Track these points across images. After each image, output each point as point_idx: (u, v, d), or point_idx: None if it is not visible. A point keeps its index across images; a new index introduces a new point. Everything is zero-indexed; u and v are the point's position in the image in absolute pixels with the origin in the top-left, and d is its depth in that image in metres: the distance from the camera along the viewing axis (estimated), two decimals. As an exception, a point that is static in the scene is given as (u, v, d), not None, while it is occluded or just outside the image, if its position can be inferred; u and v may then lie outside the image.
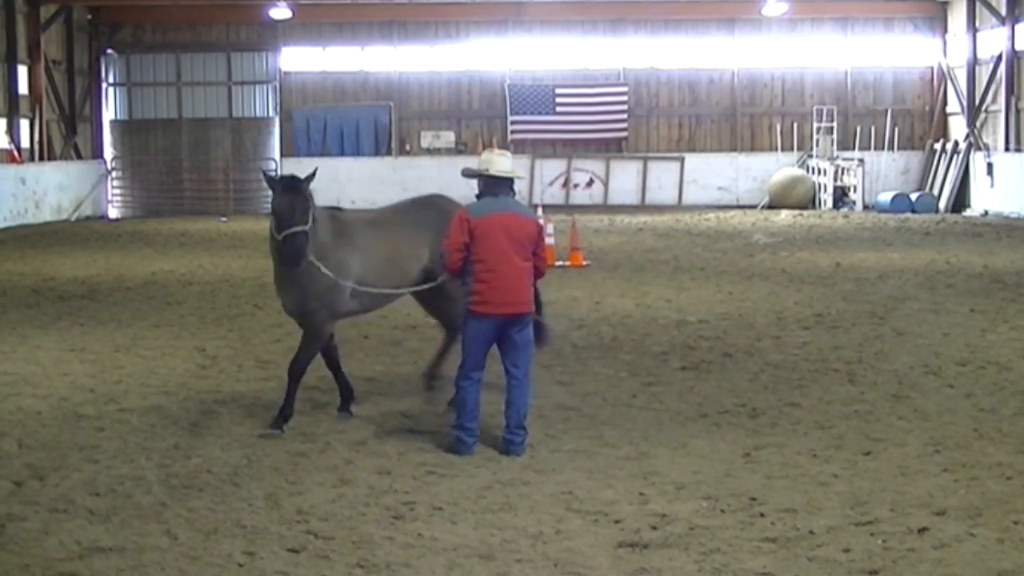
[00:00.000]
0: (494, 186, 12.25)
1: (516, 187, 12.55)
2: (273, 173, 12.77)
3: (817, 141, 49.68)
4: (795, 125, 50.86)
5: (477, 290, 11.94)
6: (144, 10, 50.08)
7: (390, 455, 11.80)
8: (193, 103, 51.28)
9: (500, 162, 12.28)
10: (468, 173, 12.51)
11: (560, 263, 27.98)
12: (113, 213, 49.29)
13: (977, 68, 47.87)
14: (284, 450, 11.99)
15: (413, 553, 9.04)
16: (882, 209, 45.50)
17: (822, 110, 50.07)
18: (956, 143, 47.91)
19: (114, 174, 50.62)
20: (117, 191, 50.37)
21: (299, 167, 46.84)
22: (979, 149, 46.39)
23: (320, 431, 12.75)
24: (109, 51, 50.92)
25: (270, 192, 12.60)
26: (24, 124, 44.48)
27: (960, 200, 46.43)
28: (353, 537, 9.38)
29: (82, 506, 10.16)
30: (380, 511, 10.03)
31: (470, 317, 12.00)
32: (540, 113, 50.37)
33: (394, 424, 13.09)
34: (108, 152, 50.94)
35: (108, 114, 51.19)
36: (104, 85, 51.03)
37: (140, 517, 9.89)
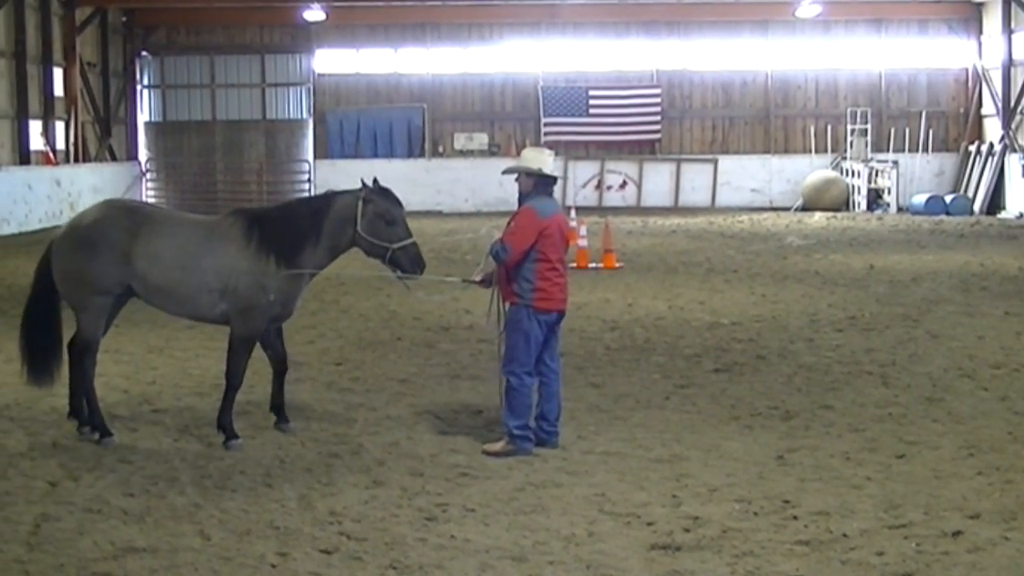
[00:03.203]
0: (546, 185, 12.31)
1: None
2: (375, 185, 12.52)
3: (851, 143, 49.55)
4: (829, 127, 50.76)
5: (541, 287, 12.02)
6: (178, 12, 50.31)
7: (423, 457, 11.81)
8: (227, 105, 51.51)
9: (550, 161, 12.38)
10: (514, 171, 12.45)
11: (593, 265, 28.00)
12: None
13: (1012, 70, 47.65)
14: (317, 451, 12.01)
15: (446, 555, 9.04)
16: (916, 211, 45.36)
17: (856, 112, 49.94)
18: (991, 145, 47.70)
19: (148, 176, 50.90)
20: (151, 193, 50.58)
21: (332, 169, 47.37)
22: (1014, 151, 46.14)
23: (353, 432, 12.77)
24: (143, 53, 51.19)
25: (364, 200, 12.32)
26: (59, 126, 44.73)
27: (995, 202, 46.18)
28: (386, 538, 9.39)
29: (116, 506, 10.20)
30: (413, 512, 10.04)
31: (532, 315, 12.02)
32: (573, 115, 50.39)
33: (427, 426, 13.09)
34: (142, 154, 51.23)
35: (142, 116, 51.51)
36: (138, 87, 51.36)
37: (174, 518, 9.93)
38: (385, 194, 12.43)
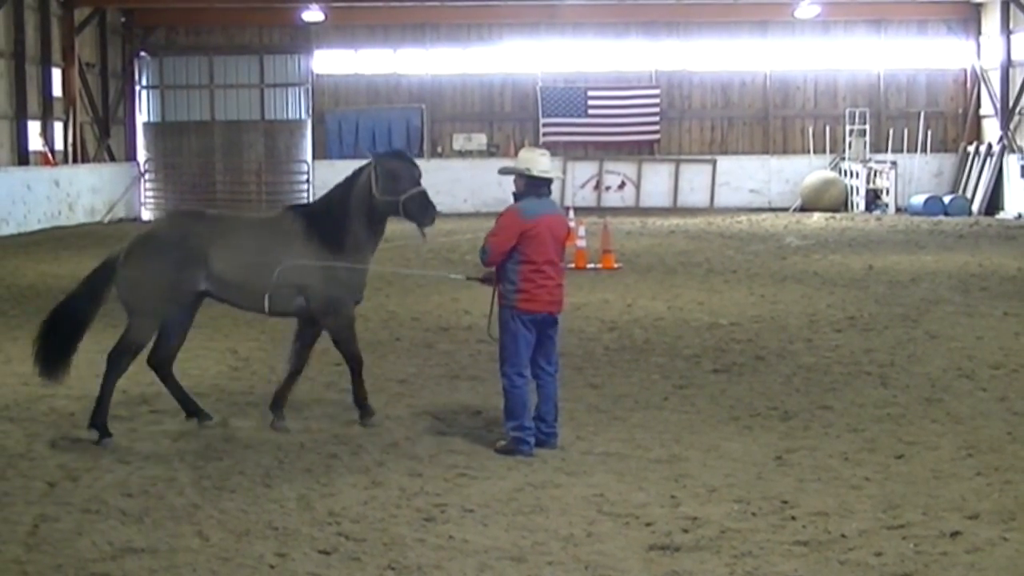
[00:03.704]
0: (537, 186, 12.26)
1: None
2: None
3: (850, 143, 49.56)
4: (827, 127, 50.78)
5: (524, 288, 11.99)
6: (177, 13, 50.29)
7: (421, 457, 11.81)
8: (226, 105, 51.49)
9: (542, 162, 12.29)
10: (507, 171, 12.48)
11: (592, 265, 27.99)
12: (146, 215, 49.43)
13: (1011, 70, 47.65)
14: (316, 452, 12.02)
15: (444, 555, 9.04)
16: (915, 212, 45.39)
17: (855, 112, 49.95)
18: (990, 145, 47.71)
19: (147, 176, 50.85)
20: (150, 193, 50.58)
21: (331, 170, 47.27)
22: (1013, 151, 46.16)
23: (352, 433, 12.77)
24: (142, 53, 51.18)
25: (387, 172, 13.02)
26: (58, 126, 44.75)
27: (993, 203, 46.20)
28: (384, 539, 9.39)
29: (115, 507, 10.20)
30: (411, 513, 10.04)
31: (516, 316, 12.01)
32: (572, 115, 50.40)
33: (425, 426, 13.10)
34: (141, 154, 51.21)
35: (141, 116, 51.50)
36: (137, 87, 51.36)
37: (172, 518, 9.93)
38: (391, 154, 13.45)
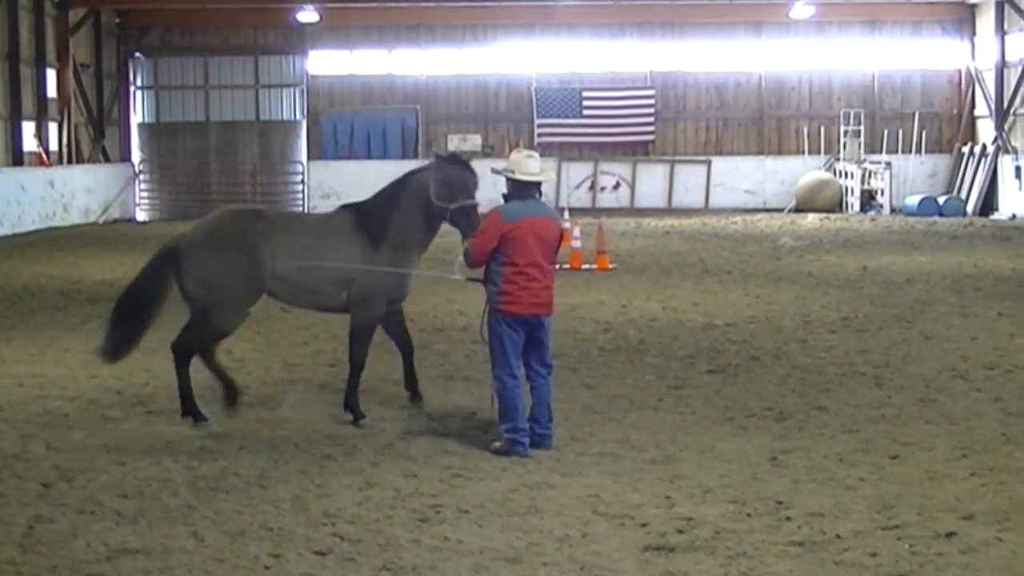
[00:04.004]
0: (523, 189, 12.29)
1: (543, 189, 12.56)
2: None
3: (844, 144, 49.55)
4: (822, 128, 50.76)
5: (507, 291, 12.01)
6: (172, 13, 50.23)
7: (416, 458, 11.81)
8: (220, 106, 51.41)
9: (528, 165, 12.30)
10: (497, 172, 12.58)
11: (587, 266, 27.98)
12: (141, 216, 49.47)
13: (1005, 71, 47.70)
14: (311, 453, 12.01)
15: (439, 556, 9.04)
16: (909, 212, 45.41)
17: (849, 113, 49.97)
18: (984, 146, 47.74)
19: (142, 177, 50.81)
20: (145, 194, 50.55)
21: (326, 171, 47.43)
22: (1007, 152, 46.22)
23: (347, 434, 12.76)
24: (137, 54, 51.13)
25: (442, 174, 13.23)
26: (53, 127, 44.67)
27: (988, 203, 46.26)
28: (379, 540, 9.38)
29: (109, 508, 10.19)
30: (406, 514, 10.03)
31: (501, 318, 12.02)
32: (567, 116, 50.38)
33: (420, 427, 13.09)
34: (136, 155, 51.15)
35: (136, 117, 51.42)
36: (132, 88, 51.28)
37: (167, 519, 9.92)
38: (452, 160, 13.59)
